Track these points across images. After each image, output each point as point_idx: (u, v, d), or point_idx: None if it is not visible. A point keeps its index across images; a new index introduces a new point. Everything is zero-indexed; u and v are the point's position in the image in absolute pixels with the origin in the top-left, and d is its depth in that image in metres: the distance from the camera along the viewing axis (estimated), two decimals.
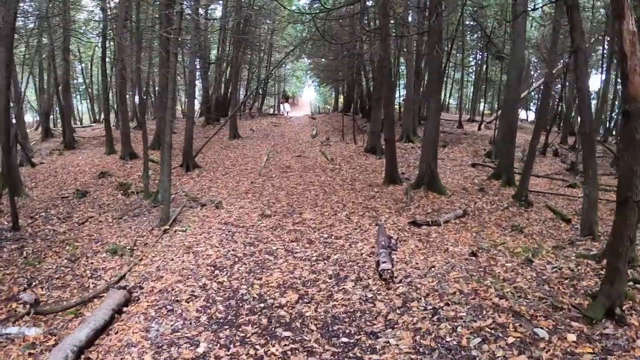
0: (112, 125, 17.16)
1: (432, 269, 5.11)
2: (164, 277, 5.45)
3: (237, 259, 5.65)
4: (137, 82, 15.83)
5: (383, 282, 4.66)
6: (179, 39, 7.06)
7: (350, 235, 6.55)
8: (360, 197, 9.23)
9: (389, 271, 4.75)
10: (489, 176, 11.66)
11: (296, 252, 5.85)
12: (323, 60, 25.50)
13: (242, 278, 5.00)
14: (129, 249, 6.84)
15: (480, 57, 26.99)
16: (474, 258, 5.82)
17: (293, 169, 12.57)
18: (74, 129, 23.94)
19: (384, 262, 4.92)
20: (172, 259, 6.05)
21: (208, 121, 22.38)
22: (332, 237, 6.45)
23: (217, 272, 5.27)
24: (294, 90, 45.63)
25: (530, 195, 9.81)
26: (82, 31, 20.44)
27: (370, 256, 5.60)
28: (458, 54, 29.30)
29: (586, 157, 7.83)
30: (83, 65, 28.73)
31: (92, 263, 6.70)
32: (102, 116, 22.24)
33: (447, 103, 30.45)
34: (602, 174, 14.66)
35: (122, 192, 11.62)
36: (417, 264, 5.32)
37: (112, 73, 22.27)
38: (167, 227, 7.55)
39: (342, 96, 29.53)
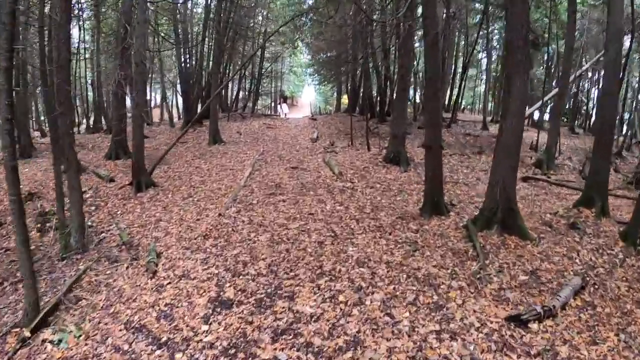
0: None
1: None
2: None
3: None
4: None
5: None
6: None
7: None
8: (397, 249, 5.40)
9: None
10: (575, 203, 7.87)
11: None
12: (323, 56, 22.15)
13: None
14: None
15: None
16: None
17: (285, 189, 8.71)
18: (46, 133, 20.25)
19: None
20: None
21: (188, 123, 18.57)
22: None
23: None
24: (293, 90, 42.13)
25: None
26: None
27: None
28: (480, 52, 25.77)
29: None
30: None
31: None
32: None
33: (460, 102, 26.71)
34: None
35: (38, 226, 7.91)
36: None
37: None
38: (28, 333, 3.78)
39: (345, 95, 26.11)
